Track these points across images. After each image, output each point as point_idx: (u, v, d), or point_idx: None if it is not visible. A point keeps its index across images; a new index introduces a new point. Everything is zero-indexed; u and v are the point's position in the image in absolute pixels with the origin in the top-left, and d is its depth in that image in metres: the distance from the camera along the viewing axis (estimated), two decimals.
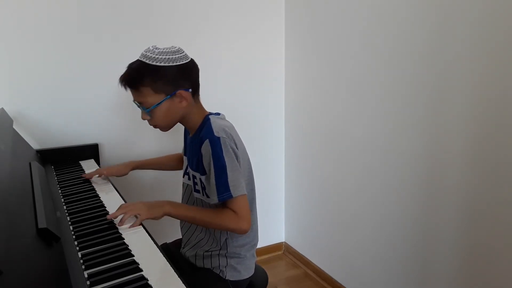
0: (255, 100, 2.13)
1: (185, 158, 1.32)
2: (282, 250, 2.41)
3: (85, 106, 1.73)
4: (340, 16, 1.76)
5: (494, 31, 1.17)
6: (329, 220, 2.01)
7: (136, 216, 1.06)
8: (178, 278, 0.85)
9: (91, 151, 1.74)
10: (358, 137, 1.74)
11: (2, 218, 0.74)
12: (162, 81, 1.09)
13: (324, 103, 1.93)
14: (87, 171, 1.51)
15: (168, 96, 1.11)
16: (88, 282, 0.80)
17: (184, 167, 1.31)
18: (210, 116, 1.18)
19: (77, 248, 0.93)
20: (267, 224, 2.27)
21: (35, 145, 1.65)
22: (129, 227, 1.03)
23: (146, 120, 1.18)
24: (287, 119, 2.25)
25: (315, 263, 2.16)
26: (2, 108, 1.50)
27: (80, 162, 1.66)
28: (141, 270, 0.86)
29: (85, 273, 0.83)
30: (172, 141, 1.95)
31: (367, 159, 1.70)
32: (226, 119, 1.25)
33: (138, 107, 1.15)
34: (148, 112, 1.13)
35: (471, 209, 1.30)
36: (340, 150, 1.86)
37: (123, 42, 1.75)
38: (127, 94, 1.81)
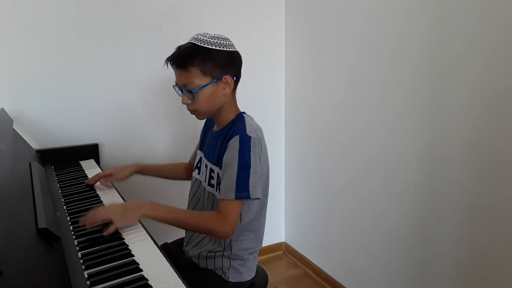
0: (255, 100, 2.12)
1: (199, 152, 1.31)
2: (282, 250, 2.41)
3: (85, 106, 1.73)
4: (340, 16, 1.76)
5: (493, 31, 1.17)
6: (329, 220, 2.01)
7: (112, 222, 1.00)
8: (178, 278, 0.85)
9: (91, 151, 1.73)
10: (358, 137, 1.74)
11: (2, 218, 0.74)
12: (211, 63, 1.09)
13: (324, 103, 1.93)
14: (87, 171, 1.51)
15: (215, 80, 1.11)
16: (88, 282, 0.80)
17: (197, 161, 1.31)
18: (244, 115, 1.19)
19: (77, 248, 0.93)
20: (267, 224, 2.26)
21: (35, 145, 1.65)
22: (103, 235, 0.97)
23: (186, 105, 1.15)
24: (287, 119, 2.25)
25: (315, 263, 2.16)
26: (2, 108, 1.50)
27: (80, 162, 1.66)
28: (141, 270, 0.86)
29: (85, 273, 0.83)
30: (173, 141, 1.95)
31: (367, 159, 1.70)
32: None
33: (180, 90, 1.14)
34: (193, 93, 1.11)
35: (471, 208, 1.30)
36: (340, 150, 1.86)
37: (123, 43, 1.75)
38: (128, 94, 1.82)
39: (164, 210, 1.07)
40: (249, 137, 1.09)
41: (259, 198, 1.10)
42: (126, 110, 1.81)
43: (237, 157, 1.07)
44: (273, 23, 2.12)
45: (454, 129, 1.32)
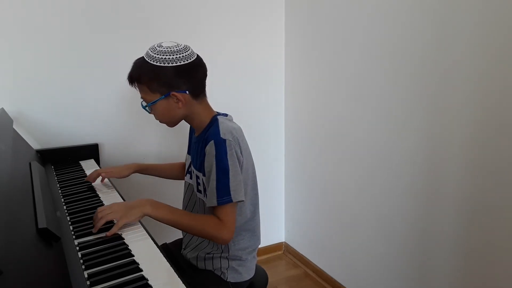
0: (255, 100, 2.12)
1: (188, 157, 1.31)
2: (282, 250, 2.41)
3: (85, 106, 1.73)
4: (341, 15, 1.76)
5: (495, 33, 1.17)
6: (329, 220, 2.01)
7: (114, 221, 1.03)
8: (178, 278, 0.85)
9: (91, 151, 1.74)
10: (358, 137, 1.74)
11: (2, 218, 0.74)
12: (156, 82, 1.09)
13: (324, 103, 1.93)
14: (87, 171, 1.51)
15: (163, 97, 1.11)
16: (88, 282, 0.80)
17: (187, 166, 1.31)
18: (218, 117, 1.17)
19: (77, 248, 0.93)
20: (267, 224, 2.27)
21: (35, 145, 1.65)
22: (107, 235, 0.99)
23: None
24: (287, 119, 2.25)
25: (315, 263, 2.16)
26: (2, 108, 1.50)
27: (80, 162, 1.66)
28: (141, 270, 0.86)
29: (85, 273, 0.83)
30: (172, 141, 1.95)
31: (367, 159, 1.70)
32: (233, 120, 1.23)
33: (141, 103, 1.18)
34: (148, 108, 1.16)
35: (471, 209, 1.30)
36: (340, 150, 1.86)
37: (123, 43, 1.75)
38: (128, 94, 1.82)
39: (165, 210, 1.08)
40: (224, 140, 1.08)
41: (242, 201, 1.09)
42: (126, 110, 1.81)
43: (215, 163, 1.07)
44: (273, 23, 2.12)
45: (455, 130, 1.32)
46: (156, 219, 1.06)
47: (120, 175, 1.44)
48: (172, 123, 1.19)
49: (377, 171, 1.66)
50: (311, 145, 2.07)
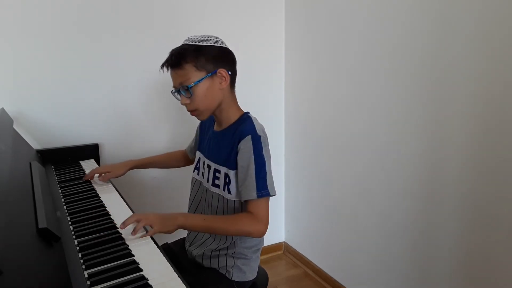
0: (255, 100, 2.13)
1: (198, 153, 1.32)
2: (282, 250, 2.41)
3: (85, 106, 1.73)
4: (340, 16, 1.76)
5: (494, 33, 1.17)
6: (329, 220, 2.01)
7: (146, 229, 1.04)
8: (179, 278, 0.85)
9: (91, 151, 1.74)
10: (358, 137, 1.74)
11: (2, 218, 0.75)
12: (204, 58, 1.11)
13: (324, 103, 1.93)
14: (87, 171, 1.51)
15: (209, 74, 1.12)
16: (88, 282, 0.80)
17: (196, 162, 1.31)
18: (250, 115, 1.20)
19: (77, 248, 0.93)
20: None
21: (36, 145, 1.65)
22: (140, 237, 1.01)
23: (185, 106, 1.16)
24: (287, 119, 2.25)
25: (315, 263, 2.16)
26: (3, 108, 1.50)
27: (80, 162, 1.66)
28: (141, 270, 0.86)
29: (85, 273, 0.83)
30: (172, 141, 1.95)
31: (367, 159, 1.71)
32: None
33: (178, 93, 1.15)
34: (190, 90, 1.11)
35: (472, 208, 1.30)
36: (340, 150, 1.86)
37: (123, 43, 1.75)
38: (128, 94, 1.82)
39: (197, 218, 1.12)
40: (259, 136, 1.12)
41: (275, 195, 1.12)
42: (126, 110, 1.81)
43: (253, 157, 1.10)
44: (273, 23, 2.12)
45: (454, 129, 1.32)
46: (190, 229, 1.10)
47: (115, 175, 1.44)
48: (209, 109, 1.17)
49: (377, 171, 1.66)
50: (311, 145, 2.07)
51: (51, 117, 1.68)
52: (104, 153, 1.81)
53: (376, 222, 1.70)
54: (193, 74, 1.11)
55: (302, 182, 2.19)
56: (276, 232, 2.40)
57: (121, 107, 1.80)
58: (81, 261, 0.88)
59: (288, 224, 2.37)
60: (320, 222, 2.07)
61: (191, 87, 1.11)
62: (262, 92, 2.15)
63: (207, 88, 1.13)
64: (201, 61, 1.11)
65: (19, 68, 1.59)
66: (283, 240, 2.42)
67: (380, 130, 1.62)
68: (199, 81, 1.11)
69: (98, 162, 1.72)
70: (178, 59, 1.12)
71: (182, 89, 1.13)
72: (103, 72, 1.74)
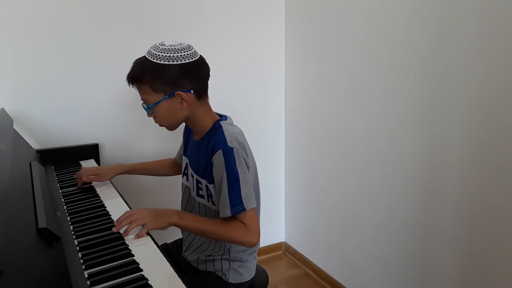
0: (255, 100, 2.12)
1: (184, 158, 1.30)
2: (282, 250, 2.41)
3: (85, 106, 1.73)
4: (341, 16, 1.76)
5: (495, 34, 1.17)
6: (329, 220, 2.01)
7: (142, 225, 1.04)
8: (179, 278, 0.85)
9: (91, 151, 1.73)
10: (358, 137, 1.74)
11: (2, 218, 0.75)
12: (160, 81, 1.06)
13: (324, 103, 1.93)
14: None
15: (167, 96, 1.08)
16: (88, 282, 0.80)
17: (183, 168, 1.29)
18: (222, 123, 1.14)
19: (77, 248, 0.93)
20: (267, 224, 2.27)
21: (35, 145, 1.65)
22: (135, 238, 1.00)
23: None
24: (287, 119, 2.25)
25: (315, 263, 2.16)
26: (3, 108, 1.50)
27: (80, 162, 1.66)
28: (141, 270, 0.86)
29: (85, 273, 0.83)
30: (172, 141, 1.95)
31: (367, 159, 1.70)
32: (234, 122, 1.22)
33: (142, 104, 1.14)
34: (150, 110, 1.12)
35: (472, 209, 1.30)
36: (340, 150, 1.86)
37: (123, 42, 1.75)
38: (128, 94, 1.82)
39: (191, 219, 1.10)
40: (231, 149, 1.07)
41: (254, 208, 1.09)
42: (126, 110, 1.81)
43: (225, 172, 1.06)
44: (273, 23, 2.12)
45: (455, 130, 1.32)
46: (182, 229, 1.08)
47: (100, 179, 1.39)
48: (173, 126, 1.17)
49: (377, 171, 1.66)
50: (311, 145, 2.07)
51: (51, 117, 1.68)
52: (104, 153, 1.81)
53: (376, 222, 1.70)
54: (151, 95, 1.08)
55: (302, 182, 2.19)
56: (276, 232, 2.39)
57: (121, 107, 1.80)
58: (81, 261, 0.88)
59: (288, 224, 2.37)
60: (320, 222, 2.07)
61: (151, 107, 1.10)
62: (262, 93, 2.15)
63: (166, 108, 1.10)
64: (157, 84, 1.06)
65: (20, 68, 1.59)
66: (283, 240, 2.42)
67: (380, 130, 1.62)
68: (157, 103, 1.09)
69: (98, 162, 1.72)
70: (135, 78, 1.09)
71: (144, 105, 1.12)
72: (103, 72, 1.73)
